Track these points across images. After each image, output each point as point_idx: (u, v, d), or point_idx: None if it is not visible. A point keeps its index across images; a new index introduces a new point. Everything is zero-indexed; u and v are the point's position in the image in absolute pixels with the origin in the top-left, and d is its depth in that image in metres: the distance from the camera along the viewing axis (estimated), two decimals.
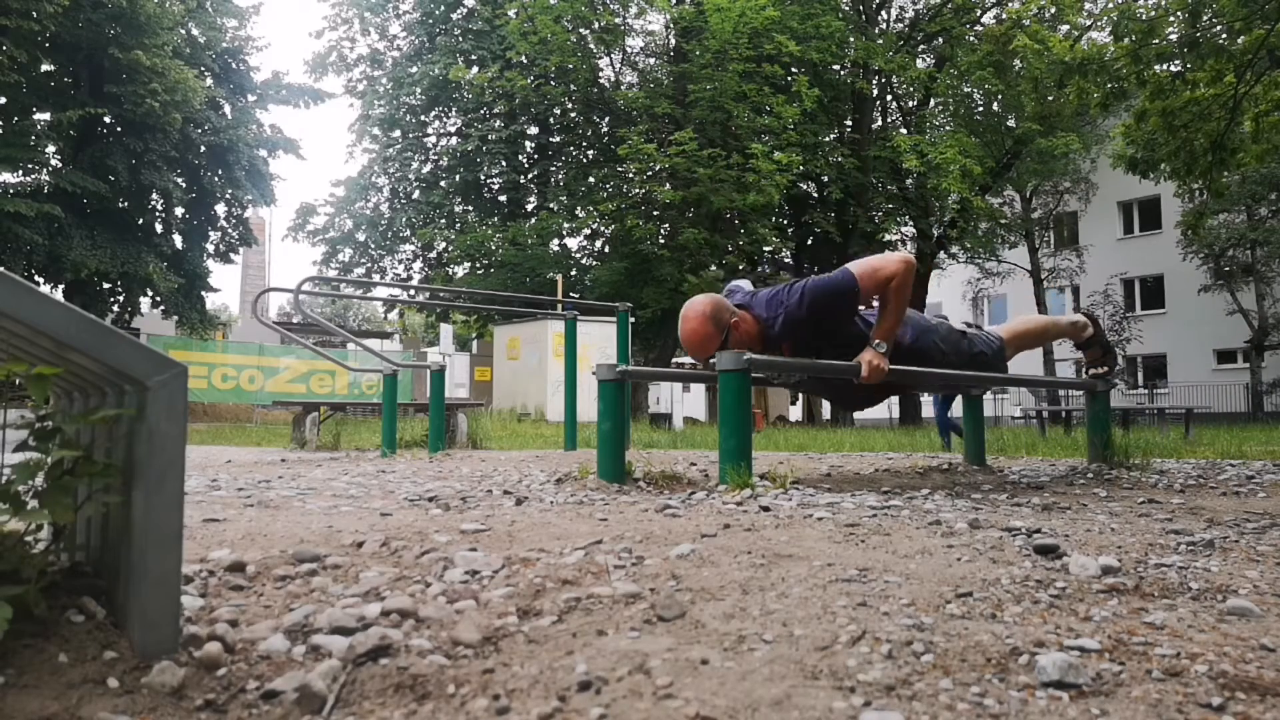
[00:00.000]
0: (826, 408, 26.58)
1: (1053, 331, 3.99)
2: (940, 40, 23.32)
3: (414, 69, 24.27)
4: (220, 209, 24.03)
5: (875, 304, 3.07)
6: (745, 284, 3.43)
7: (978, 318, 30.45)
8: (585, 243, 25.16)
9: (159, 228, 22.61)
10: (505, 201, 25.53)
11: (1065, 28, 20.85)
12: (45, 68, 20.20)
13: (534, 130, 25.60)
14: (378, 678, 0.96)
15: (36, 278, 19.31)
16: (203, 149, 22.11)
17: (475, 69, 22.90)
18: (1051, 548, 1.64)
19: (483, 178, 24.91)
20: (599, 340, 15.76)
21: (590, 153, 25.29)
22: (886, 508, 2.27)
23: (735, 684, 0.91)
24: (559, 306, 14.79)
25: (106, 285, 21.29)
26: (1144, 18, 12.64)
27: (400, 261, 26.28)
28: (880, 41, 22.06)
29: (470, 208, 25.38)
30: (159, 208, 22.54)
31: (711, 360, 2.82)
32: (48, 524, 1.11)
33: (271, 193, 24.23)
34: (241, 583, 1.35)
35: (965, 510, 2.27)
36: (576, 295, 21.42)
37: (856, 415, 23.96)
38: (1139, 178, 14.86)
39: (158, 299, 21.85)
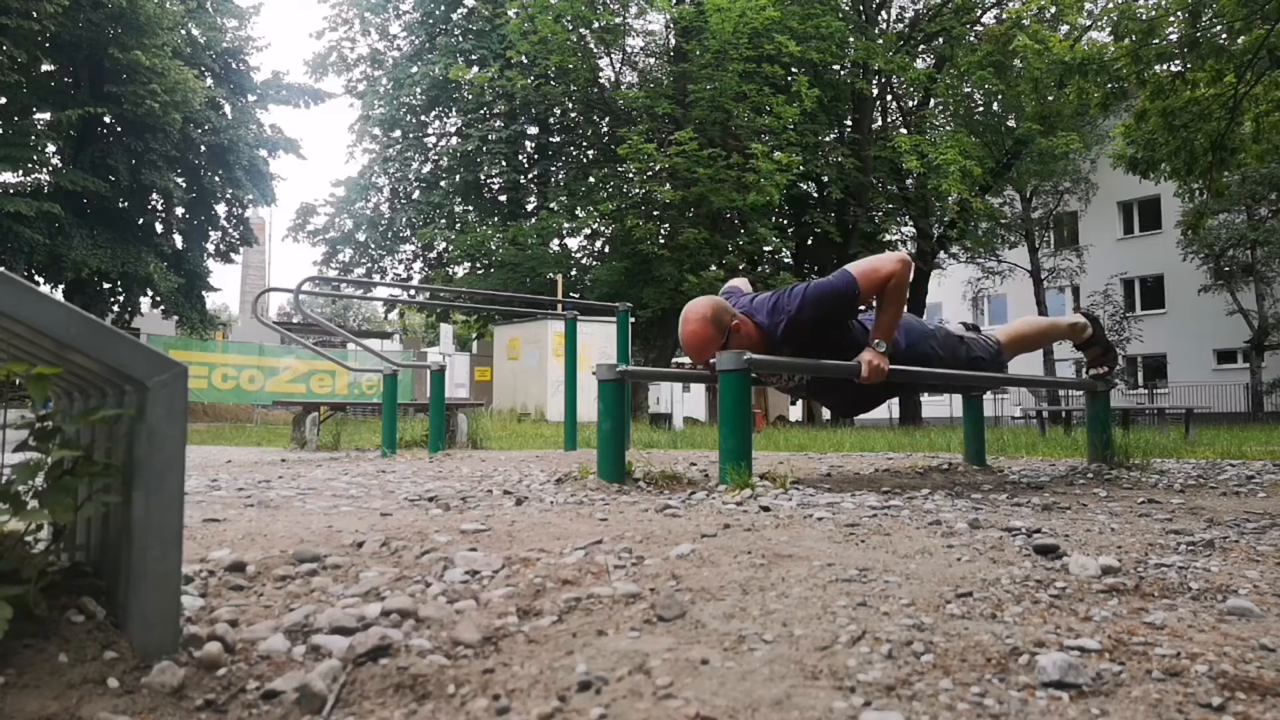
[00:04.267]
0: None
1: (1053, 334, 3.97)
2: (940, 40, 23.29)
3: (414, 69, 24.26)
4: (220, 209, 24.04)
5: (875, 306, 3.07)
6: (743, 283, 3.43)
7: (977, 318, 30.47)
8: (585, 243, 25.15)
9: (159, 228, 22.62)
10: (505, 201, 25.52)
11: (1065, 28, 20.84)
12: (45, 68, 20.19)
13: (534, 130, 25.58)
14: (378, 678, 0.96)
15: (37, 278, 19.31)
16: (203, 149, 22.10)
17: (475, 69, 22.89)
18: (1051, 548, 1.64)
19: (483, 178, 24.89)
20: (599, 340, 15.75)
21: (590, 153, 25.28)
22: (886, 508, 2.27)
23: (735, 684, 0.91)
24: (559, 306, 14.79)
25: (106, 285, 21.29)
26: (1144, 18, 12.65)
27: (400, 261, 26.28)
28: (880, 42, 22.05)
29: (470, 208, 25.38)
30: (159, 208, 22.55)
31: (712, 360, 2.82)
32: (48, 524, 1.11)
33: (272, 193, 24.23)
34: (241, 583, 1.35)
35: (965, 510, 2.27)
36: (576, 295, 21.41)
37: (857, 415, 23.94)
38: (1139, 178, 14.87)
39: (158, 299, 21.85)
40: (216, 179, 23.06)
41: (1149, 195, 28.44)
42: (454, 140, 25.47)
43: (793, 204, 23.25)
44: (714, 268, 20.17)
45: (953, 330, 3.47)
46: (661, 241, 20.48)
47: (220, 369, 17.91)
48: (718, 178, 19.02)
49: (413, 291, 21.33)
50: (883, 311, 2.96)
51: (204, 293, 23.32)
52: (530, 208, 25.68)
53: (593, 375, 3.16)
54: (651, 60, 25.25)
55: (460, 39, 24.50)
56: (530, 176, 25.87)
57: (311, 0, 61.19)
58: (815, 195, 24.24)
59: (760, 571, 1.40)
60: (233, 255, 25.06)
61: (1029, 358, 24.17)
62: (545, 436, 8.78)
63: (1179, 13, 12.46)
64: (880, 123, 25.05)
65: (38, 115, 20.37)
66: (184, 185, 21.87)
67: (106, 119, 20.48)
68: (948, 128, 23.31)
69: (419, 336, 34.48)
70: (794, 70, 21.07)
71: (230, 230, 24.42)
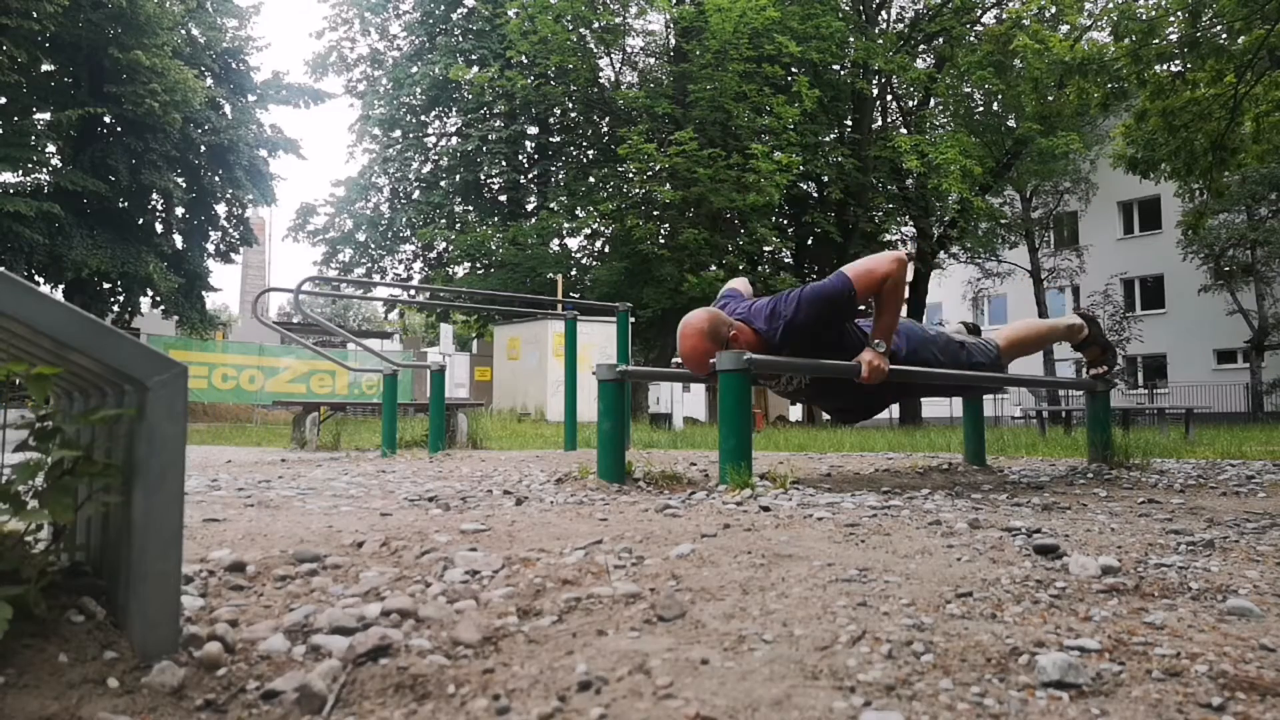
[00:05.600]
0: None
1: (1051, 336, 3.94)
2: (940, 40, 23.29)
3: (414, 69, 24.26)
4: (220, 209, 24.03)
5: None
6: (743, 284, 3.41)
7: (977, 318, 30.44)
8: (585, 243, 25.14)
9: (159, 227, 22.60)
10: (505, 201, 25.52)
11: (1065, 28, 20.84)
12: (45, 68, 20.18)
13: (534, 130, 25.58)
14: (378, 678, 0.96)
15: (36, 278, 19.30)
16: (203, 149, 22.10)
17: (475, 69, 22.89)
18: (1051, 548, 1.64)
19: (483, 178, 24.89)
20: (599, 340, 15.75)
21: (590, 153, 25.28)
22: (886, 508, 2.27)
23: (735, 684, 0.91)
24: (559, 306, 14.78)
25: (106, 285, 21.28)
26: (1144, 18, 12.64)
27: (400, 261, 26.28)
28: (880, 42, 22.05)
29: (470, 208, 25.38)
30: (159, 208, 22.53)
31: (712, 360, 2.82)
32: (48, 524, 1.11)
33: (272, 193, 24.22)
34: (241, 583, 1.35)
35: (965, 510, 2.27)
36: (576, 295, 21.40)
37: None
38: (1139, 178, 14.86)
39: (158, 299, 21.84)
40: (216, 179, 23.05)
41: (1149, 195, 28.43)
42: (454, 140, 25.46)
43: (793, 204, 23.25)
44: (714, 268, 20.16)
45: (953, 336, 3.47)
46: (661, 241, 20.47)
47: (220, 369, 17.90)
48: (718, 178, 19.01)
49: (413, 291, 21.32)
50: (881, 311, 2.95)
51: (204, 293, 23.31)
52: (530, 208, 25.68)
53: (593, 375, 3.16)
54: (651, 60, 25.25)
55: (460, 39, 24.49)
56: (530, 176, 25.87)
57: (311, 0, 61.21)
58: (815, 195, 24.24)
59: (760, 571, 1.40)
60: (233, 255, 25.05)
61: (1028, 357, 24.17)
62: (545, 436, 8.78)
63: (1179, 13, 12.45)
64: (880, 123, 25.05)
65: (38, 115, 20.35)
66: (184, 185, 21.86)
67: (106, 119, 20.47)
68: (948, 127, 23.29)
69: (419, 336, 34.46)
70: (794, 70, 21.06)
71: (230, 230, 24.41)
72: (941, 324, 3.91)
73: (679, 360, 3.04)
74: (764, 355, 3.01)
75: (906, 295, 3.13)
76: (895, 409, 25.76)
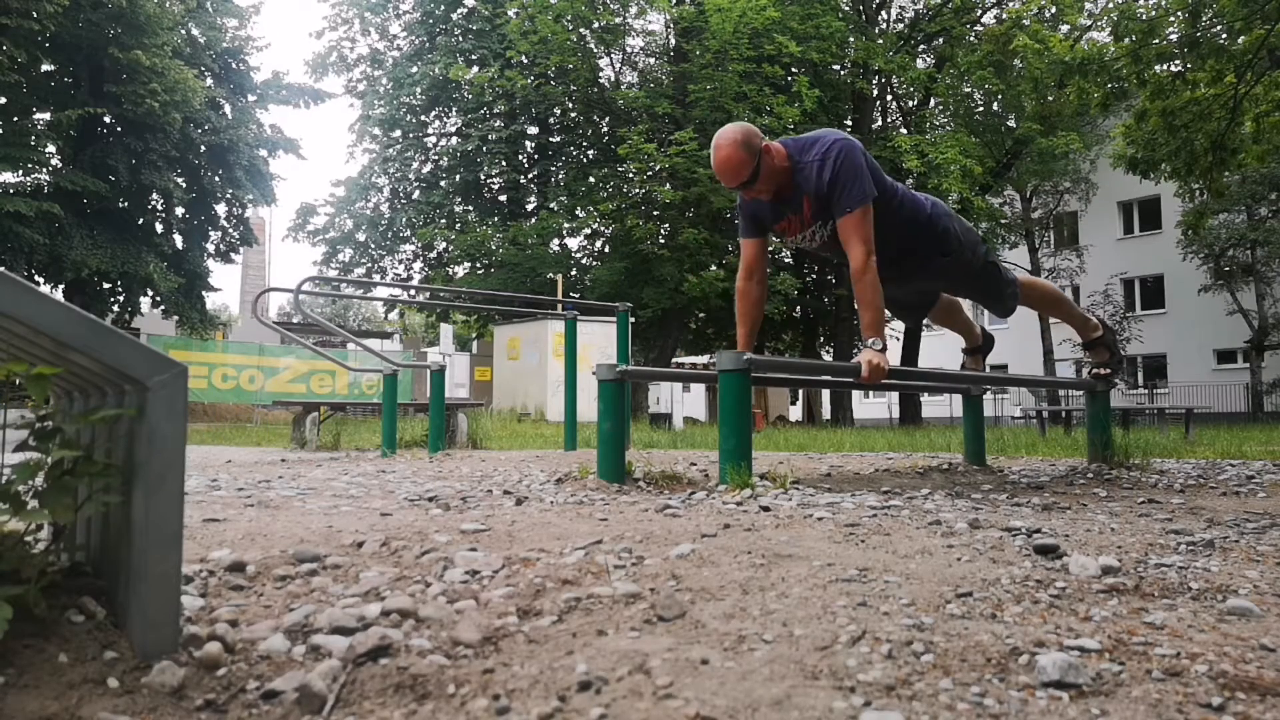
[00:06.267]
0: (827, 408, 26.53)
1: (1067, 308, 3.89)
2: (940, 40, 23.29)
3: (414, 69, 24.26)
4: (220, 209, 24.00)
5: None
6: None
7: (977, 318, 30.37)
8: (585, 243, 25.15)
9: (159, 227, 22.59)
10: (505, 201, 25.52)
11: (1065, 28, 20.84)
12: (45, 68, 20.17)
13: (534, 130, 25.58)
14: (378, 678, 0.96)
15: (36, 278, 19.30)
16: (203, 149, 22.09)
17: (475, 69, 22.89)
18: (1051, 548, 1.64)
19: (483, 178, 24.88)
20: (599, 340, 15.75)
21: (590, 153, 25.28)
22: (886, 508, 2.27)
23: (735, 684, 0.91)
24: (559, 306, 14.78)
25: (106, 285, 21.27)
26: (1144, 18, 12.64)
27: (400, 261, 26.28)
28: (880, 42, 22.05)
29: (470, 208, 25.38)
30: (159, 207, 22.52)
31: (712, 366, 2.81)
32: (48, 524, 1.11)
33: (272, 192, 24.19)
34: (241, 583, 1.35)
35: (965, 510, 2.27)
36: (576, 295, 21.41)
37: (856, 415, 23.93)
38: (1139, 178, 14.86)
39: (158, 299, 21.83)
40: (216, 179, 23.04)
41: (1149, 195, 28.42)
42: (454, 140, 25.47)
43: None
44: (714, 268, 20.16)
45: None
46: (661, 241, 20.47)
47: (220, 369, 17.90)
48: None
49: (413, 291, 21.32)
50: (863, 311, 2.96)
51: (204, 293, 23.30)
52: (530, 208, 25.68)
53: (593, 375, 3.16)
54: (651, 60, 25.25)
55: (460, 39, 24.49)
56: (530, 176, 25.87)
57: (311, 0, 61.20)
58: None
59: (760, 571, 1.40)
60: (233, 255, 25.03)
61: (1029, 357, 24.19)
62: (545, 436, 8.78)
63: (1179, 13, 12.44)
64: (880, 123, 25.04)
65: (38, 115, 20.34)
66: (184, 185, 21.84)
67: (106, 119, 20.46)
68: (948, 127, 23.29)
69: (419, 336, 34.45)
70: (794, 70, 21.05)
71: (230, 230, 24.40)
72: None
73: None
74: (788, 179, 2.97)
75: (880, 299, 3.12)
76: (895, 409, 25.77)
